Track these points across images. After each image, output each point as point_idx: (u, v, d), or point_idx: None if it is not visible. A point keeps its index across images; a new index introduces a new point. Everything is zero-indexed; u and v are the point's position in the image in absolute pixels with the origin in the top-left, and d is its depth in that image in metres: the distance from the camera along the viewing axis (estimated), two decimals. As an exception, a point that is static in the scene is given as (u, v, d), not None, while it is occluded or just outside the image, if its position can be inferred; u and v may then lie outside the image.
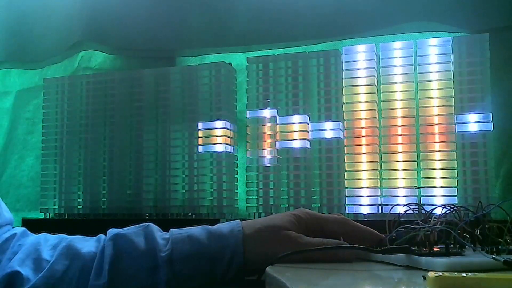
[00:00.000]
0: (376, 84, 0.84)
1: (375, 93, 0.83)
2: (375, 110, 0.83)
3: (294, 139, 0.87)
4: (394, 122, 0.82)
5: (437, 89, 0.80)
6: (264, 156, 0.88)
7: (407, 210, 0.53)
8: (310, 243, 0.51)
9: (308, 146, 0.86)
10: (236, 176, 0.95)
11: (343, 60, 0.85)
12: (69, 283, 0.52)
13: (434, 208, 0.54)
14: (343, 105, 0.85)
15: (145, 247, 0.53)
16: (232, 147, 0.94)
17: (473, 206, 0.54)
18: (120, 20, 1.07)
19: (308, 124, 0.87)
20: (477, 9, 0.85)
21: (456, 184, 0.78)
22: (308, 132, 0.87)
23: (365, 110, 0.83)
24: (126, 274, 0.52)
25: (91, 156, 0.99)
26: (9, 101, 1.24)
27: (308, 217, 0.54)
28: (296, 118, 0.87)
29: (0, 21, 1.19)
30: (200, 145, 0.92)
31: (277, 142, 0.88)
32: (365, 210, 0.82)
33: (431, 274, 0.34)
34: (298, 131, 0.87)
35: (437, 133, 0.80)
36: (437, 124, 0.80)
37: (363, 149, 0.83)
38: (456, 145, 0.79)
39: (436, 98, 0.80)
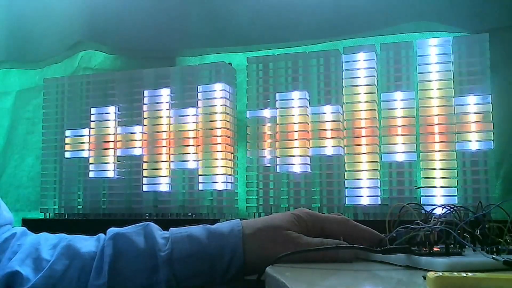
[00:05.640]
0: (376, 84, 0.84)
1: (375, 93, 0.83)
2: (375, 110, 0.83)
3: (294, 139, 0.87)
4: (394, 122, 0.82)
5: (437, 89, 0.80)
6: (264, 156, 0.88)
7: (408, 210, 0.53)
8: (310, 243, 0.51)
9: (309, 146, 0.86)
10: (236, 176, 0.95)
11: (343, 60, 0.85)
12: (69, 283, 0.52)
13: (434, 208, 0.54)
14: (343, 105, 0.85)
15: (145, 247, 0.53)
16: (233, 147, 0.94)
17: (473, 206, 0.55)
18: (120, 20, 1.07)
19: (308, 124, 0.87)
20: (477, 9, 0.85)
21: (456, 184, 0.78)
22: (308, 132, 0.86)
23: (365, 110, 0.83)
24: (126, 273, 0.52)
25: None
26: (9, 101, 1.24)
27: (308, 217, 0.54)
28: (296, 118, 0.87)
29: (0, 21, 1.19)
30: (200, 145, 0.92)
31: (277, 142, 0.88)
32: (365, 210, 0.82)
33: (431, 274, 0.34)
34: (298, 131, 0.87)
35: (437, 133, 0.80)
36: (437, 124, 0.80)
37: (363, 149, 0.83)
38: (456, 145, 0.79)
39: (436, 98, 0.80)
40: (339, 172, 0.84)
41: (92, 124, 1.00)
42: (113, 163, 0.98)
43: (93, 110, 1.00)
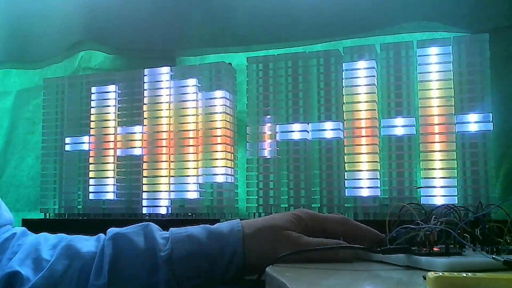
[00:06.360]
0: (376, 84, 0.84)
1: (375, 93, 0.83)
2: (375, 110, 0.83)
3: (294, 139, 0.87)
4: (394, 122, 0.82)
5: (437, 89, 0.80)
6: (264, 156, 0.88)
7: (408, 210, 0.53)
8: (310, 243, 0.51)
9: (308, 146, 0.86)
10: (236, 176, 0.95)
11: (343, 60, 0.85)
12: (69, 283, 0.52)
13: (434, 208, 0.54)
14: (343, 105, 0.85)
15: (145, 247, 0.53)
16: (232, 147, 0.94)
17: (473, 206, 0.54)
18: (120, 20, 1.07)
19: (308, 124, 0.87)
20: (477, 9, 0.85)
21: (456, 184, 0.78)
22: (308, 132, 0.86)
23: (365, 110, 0.83)
24: (126, 273, 0.52)
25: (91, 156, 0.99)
26: (9, 101, 1.24)
27: (308, 217, 0.54)
28: (295, 119, 0.87)
29: (0, 21, 1.19)
30: (199, 145, 0.92)
31: (277, 142, 0.88)
32: (365, 209, 0.82)
33: (431, 274, 0.34)
34: (298, 131, 0.87)
35: (437, 133, 0.80)
36: (437, 124, 0.80)
37: (363, 149, 0.83)
38: (456, 145, 0.79)
39: (436, 98, 0.80)
40: (339, 171, 0.84)
41: (92, 124, 1.00)
42: (113, 163, 0.98)
43: (93, 110, 1.00)
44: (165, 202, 0.93)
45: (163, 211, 0.93)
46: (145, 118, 0.96)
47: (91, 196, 0.98)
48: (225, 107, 0.92)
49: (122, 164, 0.97)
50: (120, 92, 0.99)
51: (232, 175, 0.93)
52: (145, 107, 0.97)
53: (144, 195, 0.95)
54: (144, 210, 0.95)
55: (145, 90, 0.97)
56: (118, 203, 0.96)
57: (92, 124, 1.00)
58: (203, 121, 0.92)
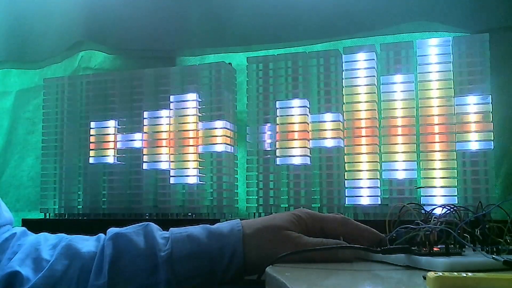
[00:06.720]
0: (376, 84, 0.84)
1: (375, 93, 0.83)
2: (375, 110, 0.83)
3: (294, 139, 0.87)
4: (394, 122, 0.82)
5: (437, 89, 0.80)
6: (264, 156, 0.88)
7: (408, 210, 0.53)
8: (310, 243, 0.51)
9: (309, 146, 0.86)
10: (236, 176, 0.95)
11: (343, 60, 0.85)
12: (69, 283, 0.52)
13: (434, 208, 0.54)
14: (343, 105, 0.85)
15: (145, 247, 0.53)
16: (232, 147, 0.94)
17: (473, 206, 0.55)
18: (120, 20, 1.07)
19: (308, 124, 0.87)
20: (477, 9, 0.85)
21: (456, 184, 0.78)
22: (308, 132, 0.86)
23: (365, 110, 0.83)
24: (126, 273, 0.52)
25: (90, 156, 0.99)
26: (9, 101, 1.24)
27: (308, 217, 0.54)
28: (295, 118, 0.87)
29: (0, 21, 1.19)
30: (200, 145, 0.92)
31: (277, 142, 0.88)
32: (365, 209, 0.82)
33: (431, 274, 0.34)
34: (299, 131, 0.87)
35: (437, 133, 0.80)
36: (437, 124, 0.80)
37: (363, 149, 0.83)
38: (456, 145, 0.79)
39: (436, 98, 0.80)
40: (339, 172, 0.84)
41: (92, 124, 1.00)
42: (113, 163, 0.98)
43: (93, 110, 1.00)
44: (165, 202, 0.93)
45: (163, 210, 0.93)
46: (145, 118, 0.96)
47: (90, 196, 0.98)
48: (224, 107, 0.92)
49: (122, 164, 0.97)
50: (120, 92, 0.99)
51: (232, 175, 0.93)
52: (145, 107, 0.97)
53: (144, 195, 0.95)
54: (144, 210, 0.95)
55: (146, 90, 0.97)
56: (118, 203, 0.96)
57: (92, 124, 1.00)
58: (203, 121, 0.92)
